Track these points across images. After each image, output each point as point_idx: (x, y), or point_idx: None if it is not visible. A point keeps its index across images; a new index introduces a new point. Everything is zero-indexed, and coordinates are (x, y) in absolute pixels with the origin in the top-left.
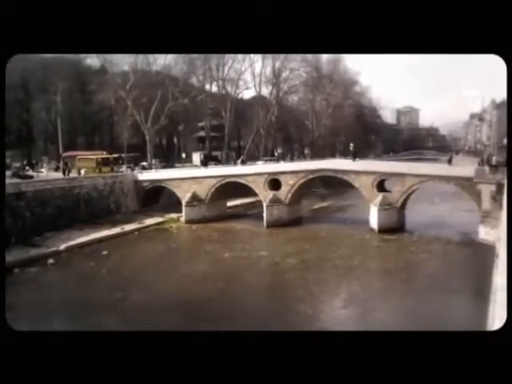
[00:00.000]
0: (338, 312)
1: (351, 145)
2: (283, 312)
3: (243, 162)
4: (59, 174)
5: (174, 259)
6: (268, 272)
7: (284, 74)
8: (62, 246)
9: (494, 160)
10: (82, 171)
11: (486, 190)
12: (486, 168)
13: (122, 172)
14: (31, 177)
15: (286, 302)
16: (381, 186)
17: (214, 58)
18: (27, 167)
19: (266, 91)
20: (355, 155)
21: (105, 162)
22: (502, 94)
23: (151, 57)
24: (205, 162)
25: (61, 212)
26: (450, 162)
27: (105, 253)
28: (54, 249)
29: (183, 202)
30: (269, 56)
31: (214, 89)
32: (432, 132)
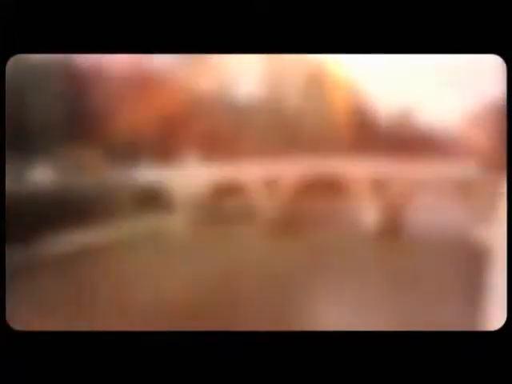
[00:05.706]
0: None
1: None
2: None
3: None
4: (54, 176)
5: None
6: None
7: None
8: (58, 249)
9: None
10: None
11: (483, 190)
12: (483, 169)
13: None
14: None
15: None
16: (377, 187)
17: None
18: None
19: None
20: None
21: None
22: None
23: None
24: None
25: (58, 213)
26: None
27: (100, 256)
28: (49, 251)
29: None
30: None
31: None
32: (429, 133)
